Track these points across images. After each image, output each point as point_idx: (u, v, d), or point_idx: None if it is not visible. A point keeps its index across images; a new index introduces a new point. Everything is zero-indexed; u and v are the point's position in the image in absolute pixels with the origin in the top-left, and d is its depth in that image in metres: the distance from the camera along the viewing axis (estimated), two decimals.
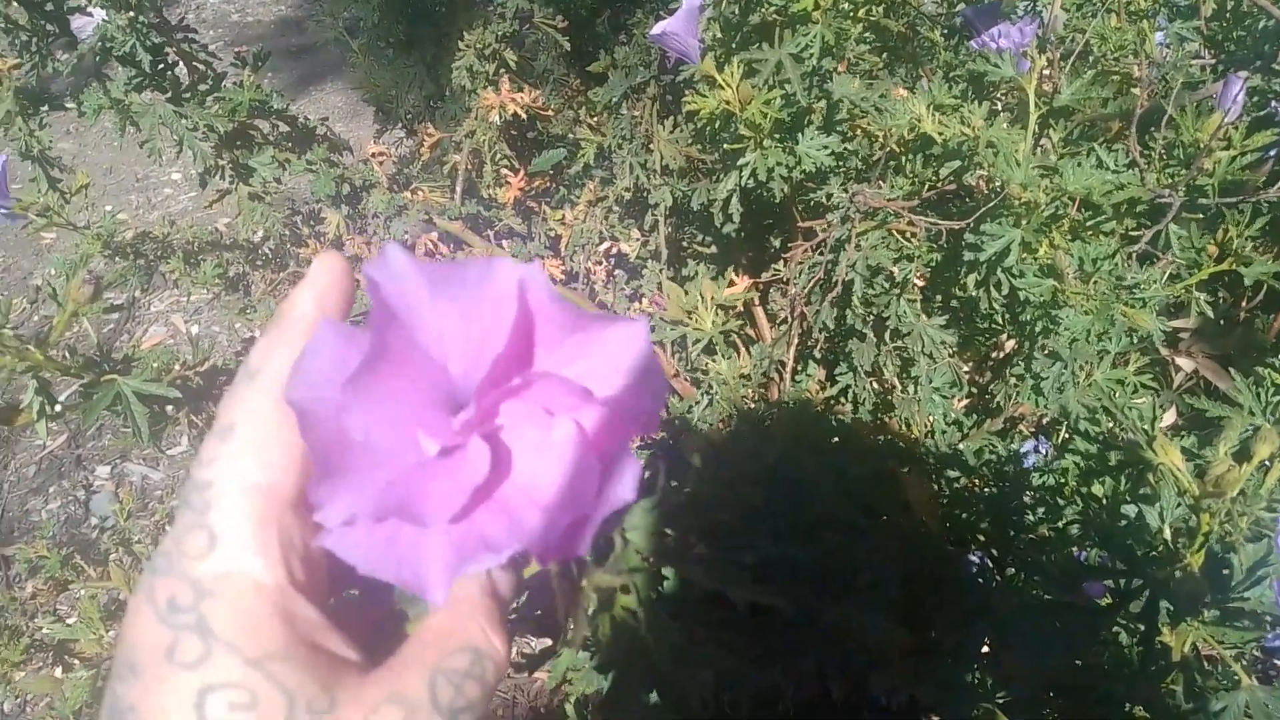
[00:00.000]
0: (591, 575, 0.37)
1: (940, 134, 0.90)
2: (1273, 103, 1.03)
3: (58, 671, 1.11)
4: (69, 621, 1.06)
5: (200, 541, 0.29)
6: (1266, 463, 0.52)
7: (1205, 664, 0.60)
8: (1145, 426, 0.60)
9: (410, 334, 0.29)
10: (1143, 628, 0.53)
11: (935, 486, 0.90)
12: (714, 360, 1.01)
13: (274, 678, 0.28)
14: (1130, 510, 0.65)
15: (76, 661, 1.04)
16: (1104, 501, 0.70)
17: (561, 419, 0.30)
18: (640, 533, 0.40)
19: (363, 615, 0.35)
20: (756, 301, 1.13)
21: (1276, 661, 0.95)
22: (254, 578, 0.29)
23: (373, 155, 1.30)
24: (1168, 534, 0.57)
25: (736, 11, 0.96)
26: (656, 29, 0.90)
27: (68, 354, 0.67)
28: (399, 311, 0.29)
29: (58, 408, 0.68)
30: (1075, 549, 0.75)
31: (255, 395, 0.31)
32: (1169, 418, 0.98)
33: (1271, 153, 0.96)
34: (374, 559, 0.28)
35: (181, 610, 0.28)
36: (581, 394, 0.29)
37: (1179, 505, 0.60)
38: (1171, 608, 0.53)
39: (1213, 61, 1.07)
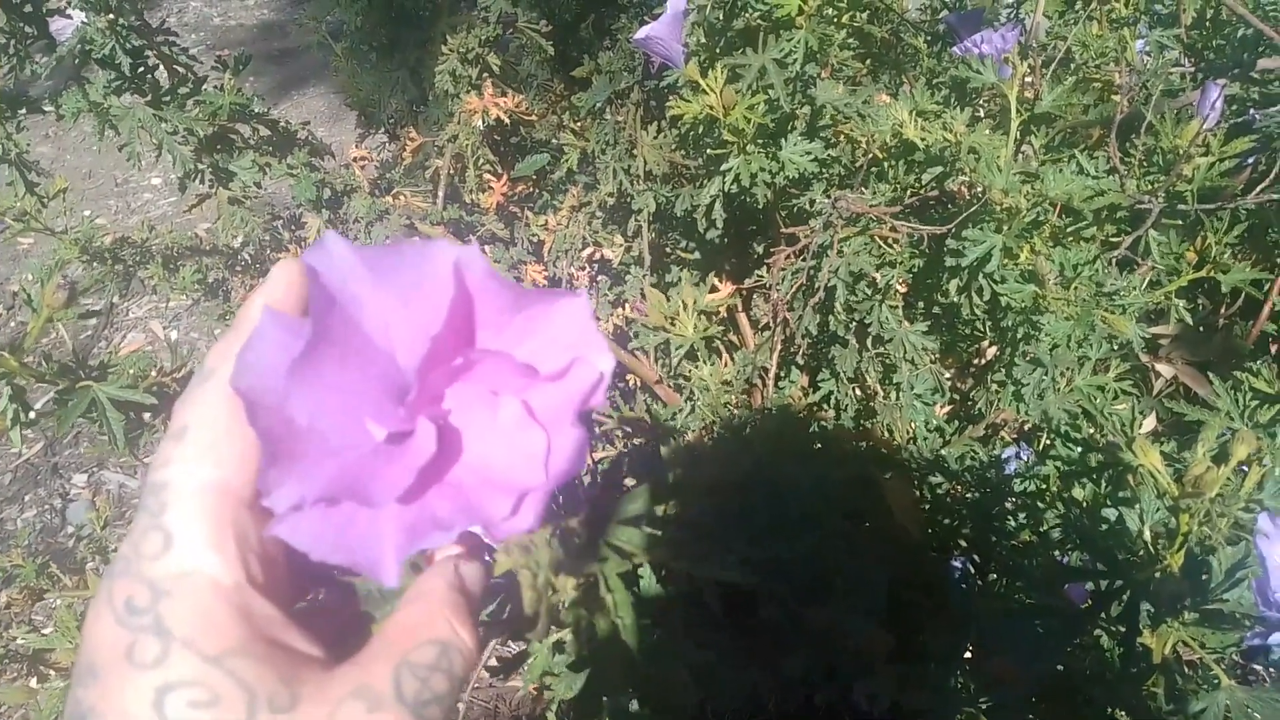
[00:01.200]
0: (560, 566, 0.37)
1: (923, 140, 0.91)
2: (1251, 110, 1.04)
3: (33, 682, 1.09)
4: (45, 631, 1.05)
5: (156, 542, 0.29)
6: (1244, 465, 0.52)
7: (1185, 667, 0.60)
8: (1125, 430, 0.60)
9: (353, 321, 0.29)
10: (1124, 630, 0.53)
11: (917, 492, 0.90)
12: (696, 366, 1.01)
13: (233, 674, 0.27)
14: (1111, 513, 0.66)
15: (52, 672, 1.03)
16: (1085, 505, 0.70)
17: (507, 398, 0.31)
18: (618, 526, 0.39)
19: (329, 619, 0.35)
20: (739, 307, 1.13)
21: (1255, 665, 0.95)
22: (210, 576, 0.29)
23: (354, 160, 1.29)
24: (1148, 536, 0.57)
25: (720, 16, 0.96)
26: (641, 33, 0.90)
27: (43, 360, 0.66)
28: (340, 298, 0.29)
29: (32, 415, 0.67)
30: (1057, 552, 0.75)
31: (209, 396, 0.31)
32: (1149, 423, 0.98)
33: (1249, 159, 0.97)
34: (325, 544, 0.28)
35: (139, 611, 0.28)
36: (526, 371, 0.30)
37: (1159, 508, 0.60)
38: (1152, 609, 0.53)
39: (1192, 69, 1.08)
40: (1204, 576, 0.53)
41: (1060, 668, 0.63)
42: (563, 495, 0.45)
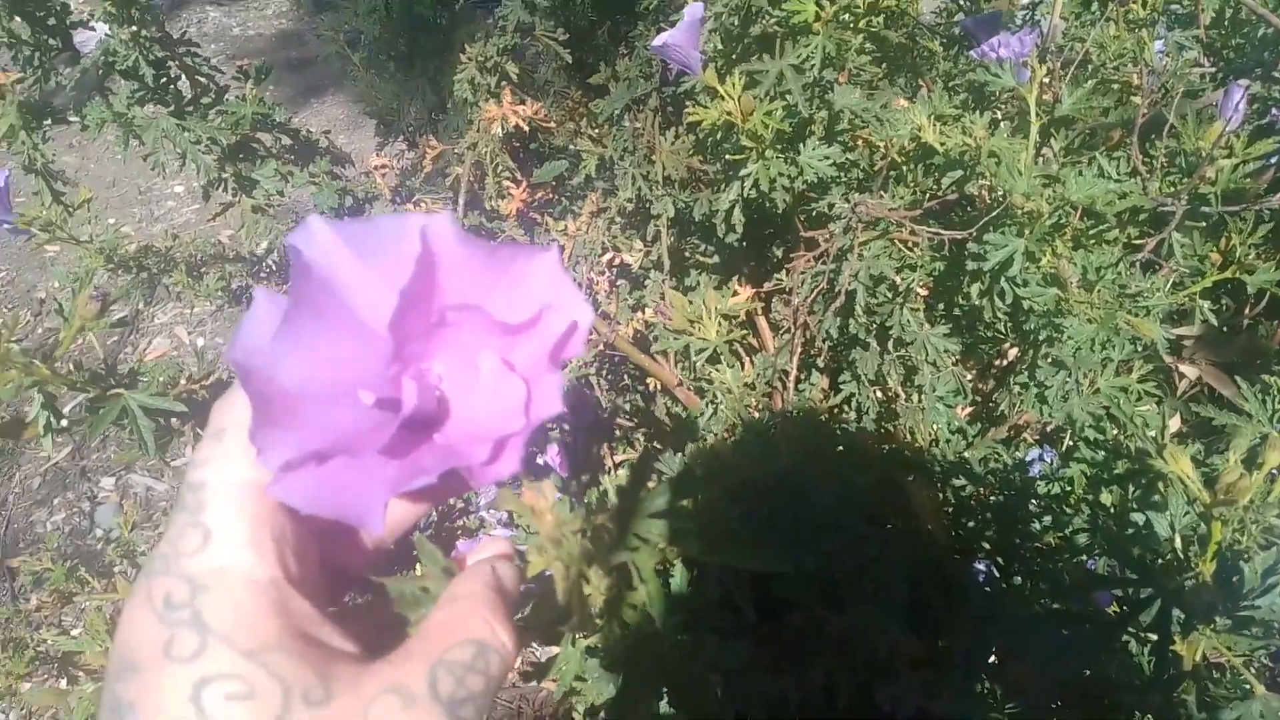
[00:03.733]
0: (591, 557, 0.37)
1: (942, 144, 0.90)
2: (1273, 110, 1.03)
3: (63, 684, 1.11)
4: (74, 634, 1.06)
5: (194, 539, 0.30)
6: (1275, 471, 0.52)
7: (1214, 672, 0.60)
8: (1154, 435, 0.60)
9: (335, 293, 0.31)
10: (1154, 637, 0.53)
11: (940, 495, 0.90)
12: (718, 370, 1.01)
13: (269, 668, 0.28)
14: (1138, 518, 0.65)
15: (82, 674, 1.04)
16: (1112, 510, 0.70)
17: (485, 354, 0.32)
18: (641, 518, 0.40)
19: (365, 620, 0.35)
20: (759, 311, 1.13)
21: None
22: (248, 572, 0.29)
23: (375, 168, 1.30)
24: (1178, 542, 0.57)
25: (737, 23, 0.96)
26: (658, 40, 0.90)
27: (73, 368, 0.67)
28: (317, 270, 0.30)
29: (63, 422, 0.68)
30: (1084, 558, 0.75)
31: (245, 399, 0.31)
32: (1173, 425, 0.98)
33: (1273, 160, 0.96)
34: (315, 498, 0.29)
35: (177, 607, 0.29)
36: (501, 326, 0.31)
37: (1187, 513, 0.60)
38: (1183, 616, 0.52)
39: (1212, 69, 1.07)
40: (1235, 582, 0.53)
41: (1087, 673, 0.62)
42: (576, 402, 0.47)
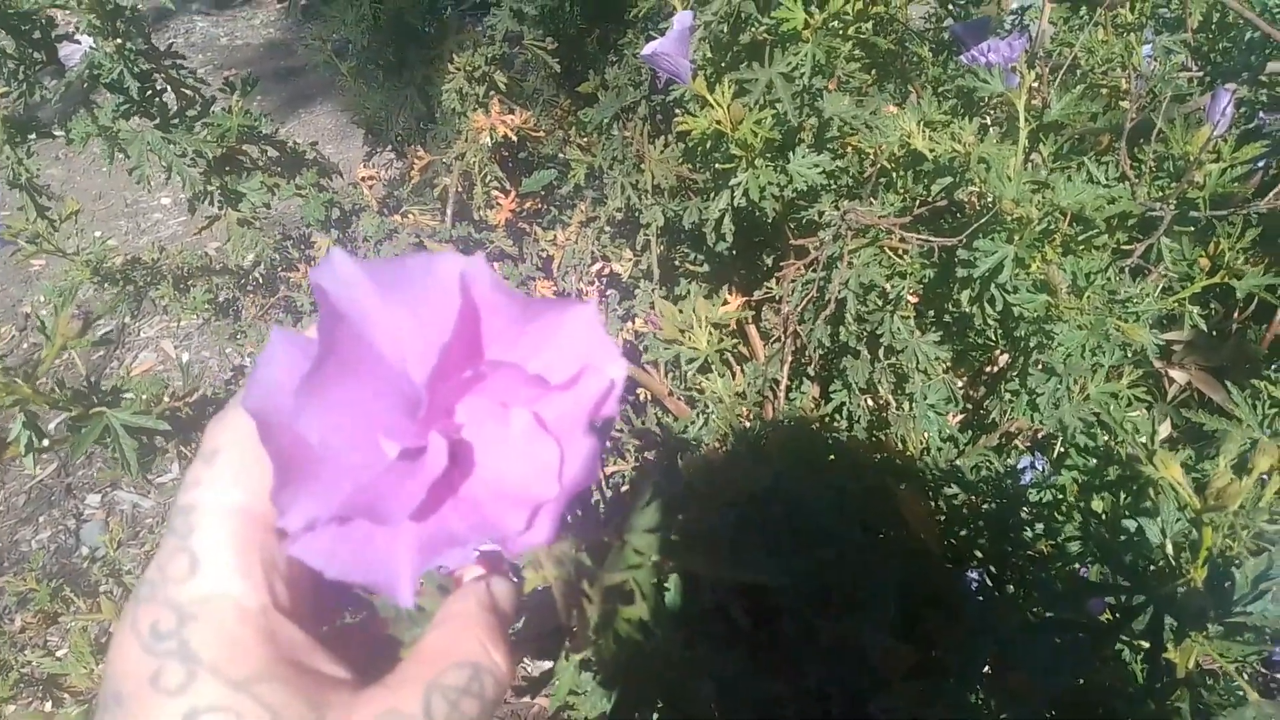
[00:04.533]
0: (592, 576, 0.37)
1: (931, 150, 0.90)
2: (1260, 114, 1.03)
3: (47, 706, 1.09)
4: (59, 655, 1.04)
5: (183, 565, 0.29)
6: (1265, 476, 0.52)
7: (1208, 679, 0.59)
8: (1145, 441, 0.60)
9: (361, 337, 0.29)
10: (1147, 644, 0.52)
11: (932, 504, 0.90)
12: (709, 379, 1.01)
13: (259, 699, 0.27)
14: (1130, 525, 0.65)
15: (67, 696, 1.03)
16: (1104, 517, 0.70)
17: (518, 410, 0.31)
18: (639, 534, 0.39)
19: (358, 643, 0.35)
20: (749, 320, 1.13)
21: (1278, 675, 0.94)
22: (236, 600, 0.29)
23: (362, 179, 1.30)
24: (1170, 549, 0.57)
25: (727, 31, 0.96)
26: (648, 49, 0.90)
27: (56, 386, 0.66)
28: (349, 315, 0.29)
29: (45, 441, 0.67)
30: (1076, 565, 0.74)
31: (241, 420, 0.31)
32: (1163, 430, 0.98)
33: (1260, 164, 0.96)
34: (340, 563, 0.28)
35: (164, 636, 0.28)
36: (536, 383, 0.30)
37: (1179, 519, 0.60)
38: (1176, 623, 0.52)
39: (1200, 73, 1.07)
40: (1227, 588, 0.53)
41: (1079, 682, 0.62)
42: (580, 511, 0.45)
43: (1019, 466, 0.94)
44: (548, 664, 0.49)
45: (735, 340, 1.09)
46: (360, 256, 0.30)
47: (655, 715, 0.46)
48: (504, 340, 0.30)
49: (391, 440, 0.29)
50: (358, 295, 0.29)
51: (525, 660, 0.45)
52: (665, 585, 0.52)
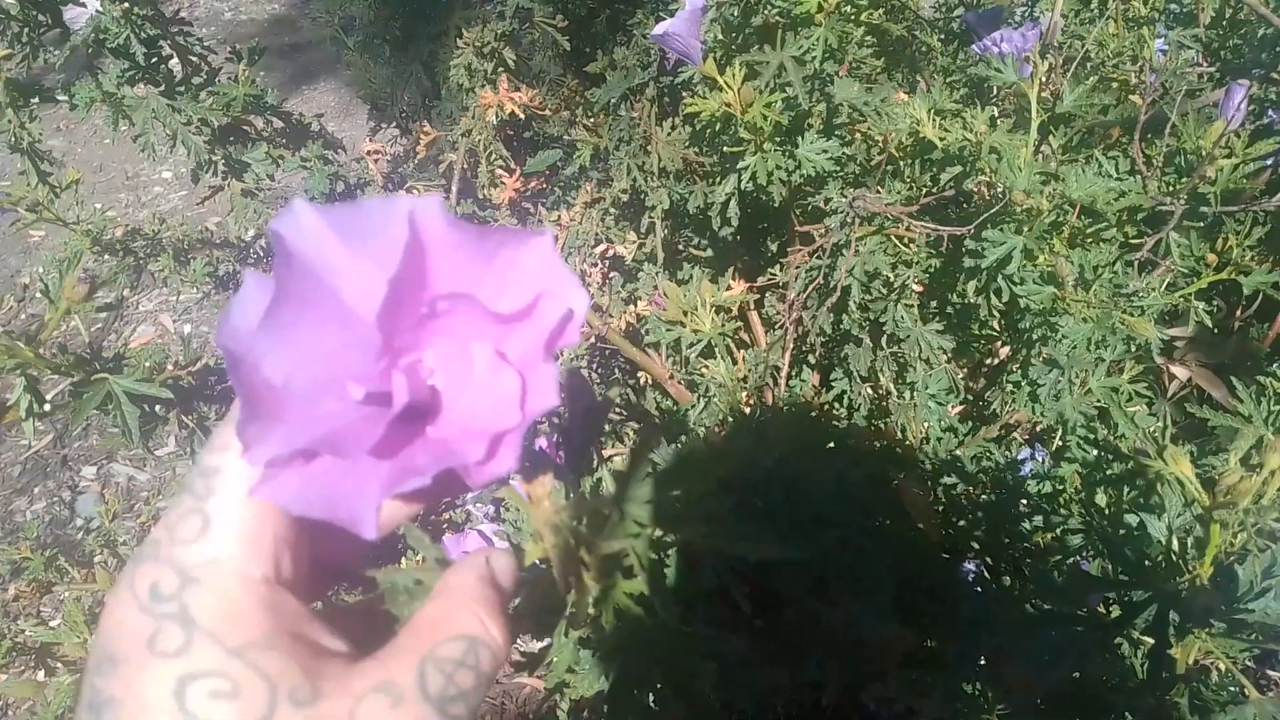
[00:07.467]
0: (590, 544, 0.36)
1: (941, 139, 0.90)
2: (1270, 111, 1.03)
3: (40, 675, 1.09)
4: (52, 624, 1.04)
5: (194, 525, 0.29)
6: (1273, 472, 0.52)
7: (1205, 675, 0.59)
8: (1155, 436, 0.60)
9: (322, 281, 0.29)
10: (1150, 640, 0.52)
11: (931, 494, 0.89)
12: (711, 364, 1.00)
13: (256, 667, 0.27)
14: (1131, 519, 0.65)
15: (60, 665, 1.03)
16: (1106, 511, 0.70)
17: (478, 344, 0.31)
18: (637, 504, 0.39)
19: (356, 616, 0.35)
20: (752, 306, 1.12)
21: (1270, 671, 0.94)
22: (240, 567, 0.29)
23: (367, 153, 1.29)
24: (1174, 544, 0.57)
25: (738, 13, 0.95)
26: (659, 29, 0.89)
27: (58, 352, 0.66)
28: (304, 258, 0.29)
29: (46, 406, 0.67)
30: (1076, 558, 0.74)
31: None
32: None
33: (1269, 162, 0.96)
34: (304, 499, 0.28)
35: (164, 598, 0.28)
36: (493, 315, 0.30)
37: (1182, 514, 0.59)
38: (1179, 620, 0.52)
39: (1211, 69, 1.07)
40: (1230, 585, 0.53)
41: (1077, 675, 0.62)
42: (548, 442, 0.45)
43: (1018, 458, 0.94)
44: (544, 642, 0.49)
45: (738, 325, 1.08)
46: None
47: (652, 696, 0.46)
48: (461, 277, 0.30)
49: (356, 384, 0.30)
50: (316, 238, 0.29)
51: (521, 638, 0.44)
52: (665, 561, 0.52)
